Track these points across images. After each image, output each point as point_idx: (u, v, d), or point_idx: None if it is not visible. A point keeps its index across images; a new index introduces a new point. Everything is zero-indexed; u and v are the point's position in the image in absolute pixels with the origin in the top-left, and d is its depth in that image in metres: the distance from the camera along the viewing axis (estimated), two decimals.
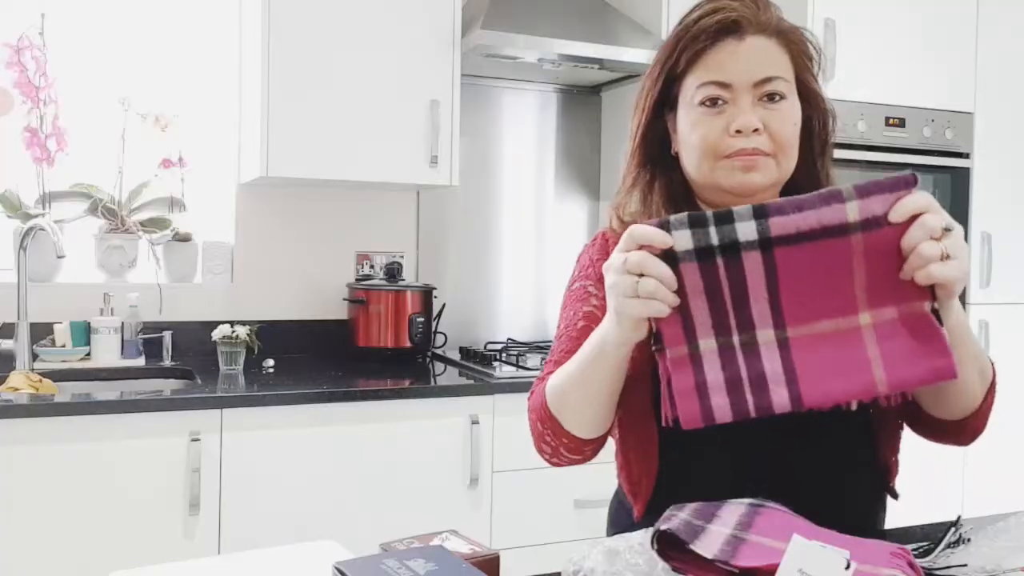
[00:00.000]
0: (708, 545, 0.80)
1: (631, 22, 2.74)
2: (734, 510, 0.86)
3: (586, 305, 1.14)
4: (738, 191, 1.08)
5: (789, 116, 1.07)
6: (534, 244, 3.09)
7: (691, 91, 1.08)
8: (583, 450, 1.10)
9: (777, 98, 1.06)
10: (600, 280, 1.12)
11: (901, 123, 2.81)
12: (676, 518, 0.84)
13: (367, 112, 2.48)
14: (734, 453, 1.04)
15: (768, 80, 1.05)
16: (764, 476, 1.00)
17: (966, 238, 3.00)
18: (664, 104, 1.13)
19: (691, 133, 1.08)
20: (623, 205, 1.17)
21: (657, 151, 1.15)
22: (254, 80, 2.47)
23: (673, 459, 1.08)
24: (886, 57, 2.77)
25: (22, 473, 1.93)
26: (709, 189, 1.11)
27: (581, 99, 3.14)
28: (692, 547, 0.80)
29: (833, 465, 1.06)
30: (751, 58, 1.05)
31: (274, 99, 2.39)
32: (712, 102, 1.06)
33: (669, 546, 0.82)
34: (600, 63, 2.69)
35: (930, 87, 2.86)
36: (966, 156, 2.95)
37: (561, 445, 1.10)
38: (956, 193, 2.95)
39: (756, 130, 1.04)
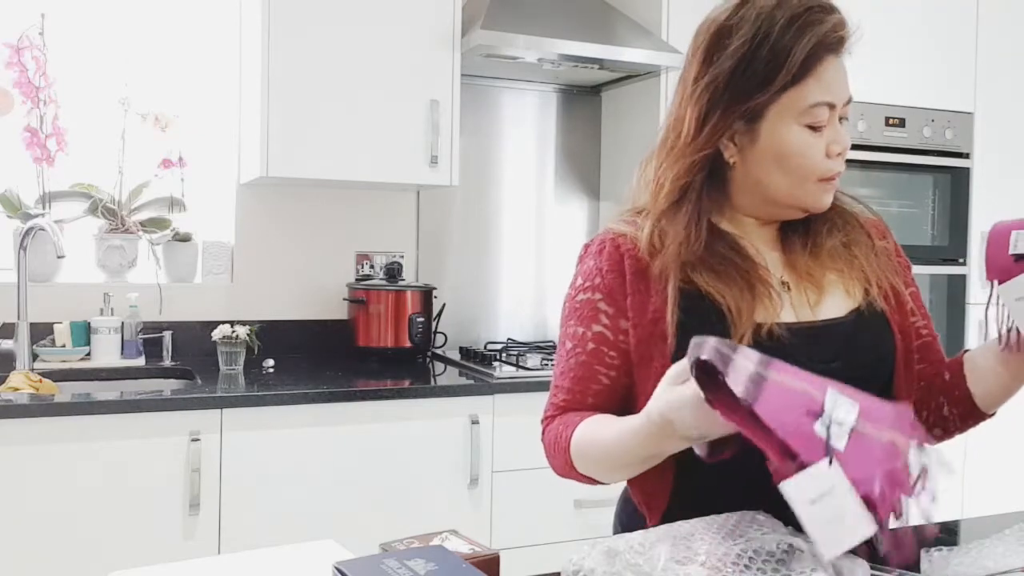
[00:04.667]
0: (736, 379, 0.78)
1: (631, 22, 2.74)
2: (751, 352, 0.82)
3: (596, 324, 1.09)
4: (816, 210, 1.09)
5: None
6: (534, 244, 3.09)
7: (798, 108, 1.02)
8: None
9: (845, 118, 1.07)
10: (611, 295, 1.08)
11: (901, 123, 2.81)
12: (707, 345, 0.80)
13: (367, 112, 2.47)
14: (751, 462, 1.03)
15: (850, 100, 1.06)
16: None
17: (966, 238, 3.01)
18: (738, 111, 1.04)
19: (799, 156, 1.03)
20: (657, 215, 1.08)
21: (703, 154, 1.06)
22: (254, 80, 2.47)
23: (689, 473, 1.05)
24: (886, 57, 2.77)
25: (22, 473, 1.93)
26: (769, 204, 1.08)
27: (581, 99, 3.14)
28: (727, 380, 0.78)
29: None
30: (844, 78, 1.05)
31: (274, 99, 2.38)
32: (820, 126, 1.03)
33: (704, 373, 0.81)
34: (600, 63, 2.69)
35: (930, 87, 2.87)
36: (966, 156, 2.95)
37: (590, 483, 1.10)
38: (956, 193, 2.95)
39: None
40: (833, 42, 1.02)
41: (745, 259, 1.08)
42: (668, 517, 1.05)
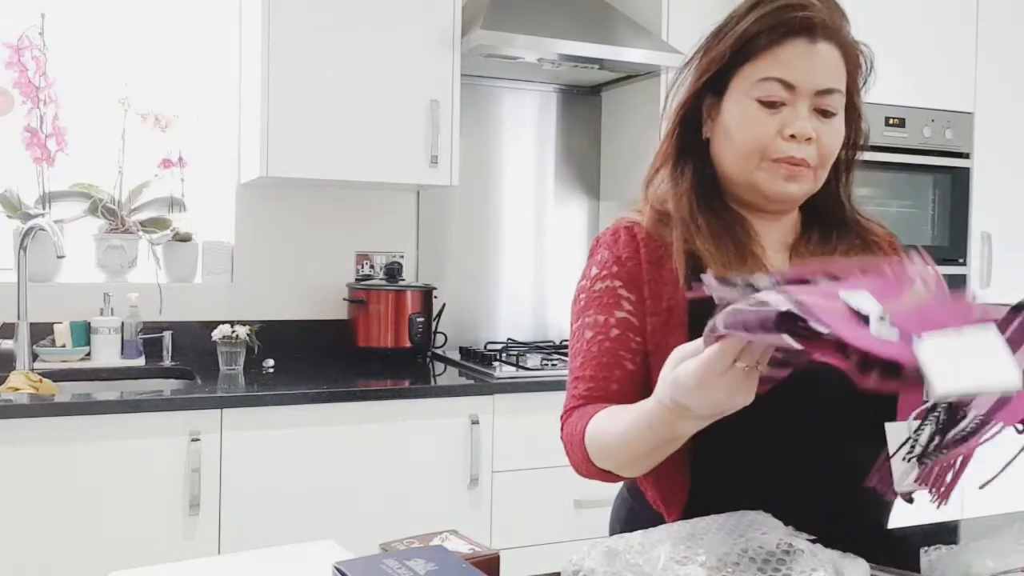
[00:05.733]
0: (815, 315, 0.71)
1: (631, 22, 2.74)
2: (764, 287, 0.79)
3: (619, 310, 1.08)
4: (775, 199, 1.07)
5: (838, 133, 1.07)
6: (534, 244, 3.09)
7: (749, 82, 1.05)
8: (632, 478, 1.07)
9: (830, 113, 1.05)
10: (631, 281, 1.09)
11: (901, 123, 2.81)
12: (720, 313, 0.76)
13: (367, 112, 2.48)
14: (764, 457, 1.03)
15: (829, 92, 1.04)
16: (794, 478, 1.00)
17: (966, 238, 3.01)
18: (706, 86, 1.09)
19: (742, 128, 1.05)
20: (654, 190, 1.14)
21: (690, 134, 1.12)
22: (254, 80, 2.47)
23: (705, 467, 1.05)
24: (886, 57, 2.75)
25: (22, 473, 1.93)
26: (743, 187, 1.09)
27: (581, 99, 3.14)
28: (806, 324, 0.70)
29: (856, 468, 1.05)
30: (819, 64, 1.03)
31: (274, 99, 2.38)
32: (771, 101, 1.03)
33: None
34: (600, 63, 2.69)
35: (930, 87, 2.87)
36: (966, 156, 2.95)
37: (608, 480, 1.06)
38: (956, 193, 2.95)
39: (809, 139, 1.03)
40: (797, 23, 1.02)
41: (745, 233, 1.09)
42: (688, 514, 1.03)
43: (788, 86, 1.03)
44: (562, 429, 1.10)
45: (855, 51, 1.08)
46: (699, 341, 0.80)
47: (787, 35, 1.03)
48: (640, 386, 1.08)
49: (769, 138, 1.04)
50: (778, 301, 0.73)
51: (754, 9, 1.05)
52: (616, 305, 1.08)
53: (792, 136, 1.03)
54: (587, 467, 1.04)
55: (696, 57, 1.11)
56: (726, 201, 1.12)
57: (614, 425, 0.98)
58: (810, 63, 1.03)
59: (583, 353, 1.09)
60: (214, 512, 2.08)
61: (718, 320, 0.77)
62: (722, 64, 1.07)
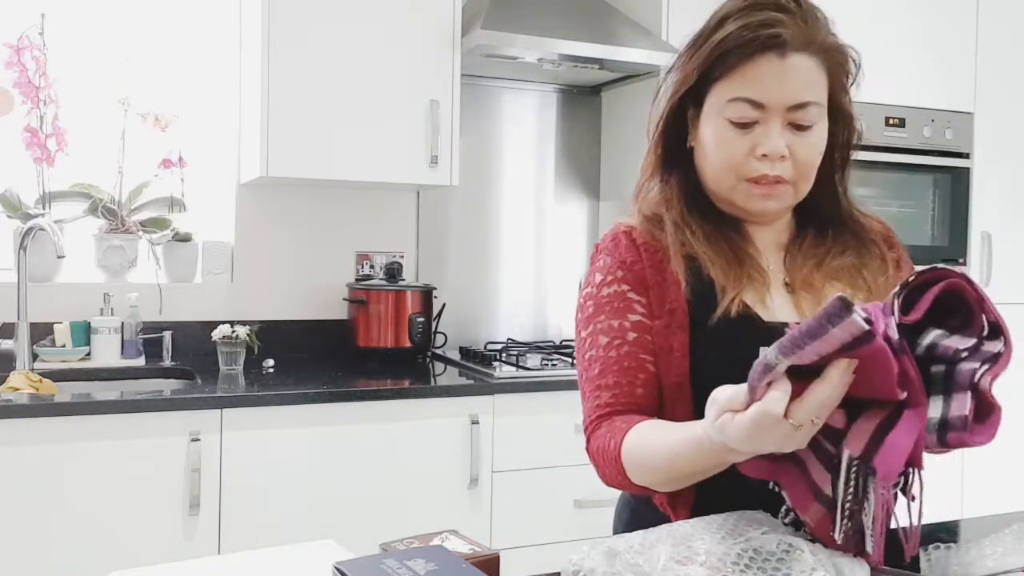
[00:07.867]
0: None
1: (631, 22, 2.74)
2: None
3: (632, 314, 1.08)
4: (754, 216, 1.08)
5: (816, 145, 1.05)
6: (534, 244, 3.09)
7: (720, 101, 1.04)
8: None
9: (805, 127, 1.03)
10: (639, 283, 1.09)
11: (901, 123, 2.81)
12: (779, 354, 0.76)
13: (367, 112, 2.48)
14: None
15: (803, 105, 1.02)
16: None
17: (966, 238, 3.01)
18: (687, 97, 1.09)
19: (715, 147, 1.06)
20: (643, 198, 1.15)
21: (675, 143, 1.13)
22: (254, 80, 2.47)
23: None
24: (886, 57, 2.77)
25: (22, 473, 1.93)
26: (724, 202, 1.10)
27: (581, 99, 3.14)
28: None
29: None
30: (790, 80, 1.01)
31: (274, 99, 2.38)
32: (742, 122, 1.03)
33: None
34: (600, 63, 2.69)
35: (930, 87, 2.87)
36: (966, 156, 2.95)
37: (644, 493, 1.07)
38: (956, 193, 2.95)
39: (783, 157, 1.03)
40: (767, 40, 1.00)
41: (739, 235, 1.10)
42: (695, 515, 1.03)
43: (758, 105, 1.02)
44: (588, 441, 1.08)
45: (836, 55, 1.06)
46: (741, 386, 0.79)
47: (756, 52, 1.01)
48: (659, 387, 1.08)
49: (742, 158, 1.04)
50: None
51: (722, 26, 1.03)
52: (629, 309, 1.08)
53: (764, 155, 1.03)
54: (621, 482, 1.03)
55: (673, 70, 1.11)
56: (716, 205, 1.13)
57: (657, 444, 0.96)
58: (780, 79, 1.01)
59: (601, 360, 1.08)
60: (214, 512, 2.08)
61: (774, 353, 0.76)
62: (694, 82, 1.07)
